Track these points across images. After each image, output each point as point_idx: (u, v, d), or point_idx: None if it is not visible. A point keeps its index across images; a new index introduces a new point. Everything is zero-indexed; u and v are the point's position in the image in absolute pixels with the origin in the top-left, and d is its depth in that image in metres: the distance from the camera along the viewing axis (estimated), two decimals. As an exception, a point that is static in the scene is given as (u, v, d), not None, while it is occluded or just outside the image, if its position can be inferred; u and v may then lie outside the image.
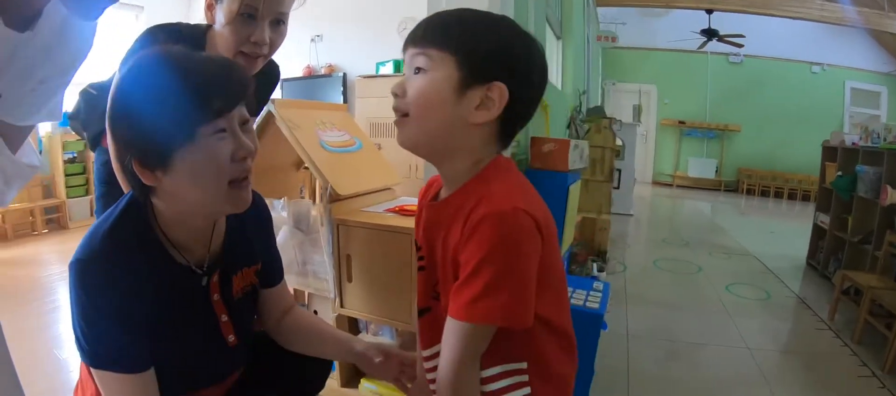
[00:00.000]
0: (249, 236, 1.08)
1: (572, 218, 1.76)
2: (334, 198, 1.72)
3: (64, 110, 1.53)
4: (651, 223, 6.38)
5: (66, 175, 4.82)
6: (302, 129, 1.81)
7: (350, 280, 1.71)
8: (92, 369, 0.87)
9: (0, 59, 0.75)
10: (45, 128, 4.81)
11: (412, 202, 1.81)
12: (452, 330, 0.73)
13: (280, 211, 1.80)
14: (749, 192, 9.21)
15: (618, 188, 5.85)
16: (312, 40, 5.17)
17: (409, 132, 0.78)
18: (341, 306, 1.76)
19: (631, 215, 6.13)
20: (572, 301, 1.59)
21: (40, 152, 4.73)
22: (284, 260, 1.80)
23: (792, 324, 2.88)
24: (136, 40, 1.24)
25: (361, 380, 1.84)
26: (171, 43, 0.98)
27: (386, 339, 1.92)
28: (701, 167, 9.74)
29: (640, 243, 5.06)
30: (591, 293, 1.65)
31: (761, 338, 2.56)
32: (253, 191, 1.06)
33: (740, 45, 7.91)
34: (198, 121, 0.80)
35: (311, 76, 5.10)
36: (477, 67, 0.71)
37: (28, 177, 1.05)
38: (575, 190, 1.68)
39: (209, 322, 1.00)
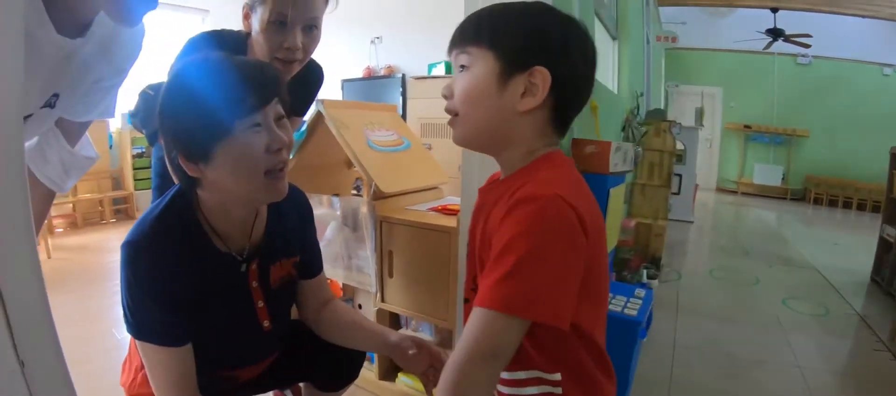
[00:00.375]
0: (289, 229, 1.15)
1: (615, 222, 1.74)
2: (378, 196, 1.77)
3: (128, 109, 1.64)
4: (711, 231, 6.14)
5: (134, 168, 5.14)
6: (350, 129, 1.87)
7: (391, 275, 1.76)
8: (135, 340, 0.98)
9: (57, 64, 0.84)
10: (115, 125, 5.15)
11: (457, 202, 1.84)
12: (472, 317, 0.67)
13: (331, 208, 1.87)
14: (816, 201, 8.69)
15: (678, 194, 5.66)
16: (372, 42, 5.31)
17: (460, 130, 0.79)
18: (382, 300, 1.81)
19: (691, 222, 5.91)
20: (611, 307, 1.57)
21: (110, 147, 5.06)
22: (331, 255, 1.88)
23: (850, 344, 2.72)
24: (183, 47, 1.33)
25: (399, 374, 1.89)
26: (213, 49, 1.11)
27: (425, 335, 1.96)
28: (767, 174, 9.27)
29: (698, 251, 4.89)
30: (632, 300, 1.63)
31: (815, 357, 2.44)
32: (294, 187, 1.14)
33: (807, 46, 7.50)
34: (234, 117, 0.87)
35: (370, 77, 5.22)
36: (514, 55, 0.72)
37: (85, 167, 1.16)
38: (617, 193, 1.66)
39: (246, 307, 1.07)
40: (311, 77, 1.55)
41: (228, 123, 0.87)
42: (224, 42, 1.33)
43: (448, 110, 0.80)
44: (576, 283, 0.67)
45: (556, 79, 0.71)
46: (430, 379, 1.13)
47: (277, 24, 1.23)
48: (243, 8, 1.30)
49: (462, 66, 0.76)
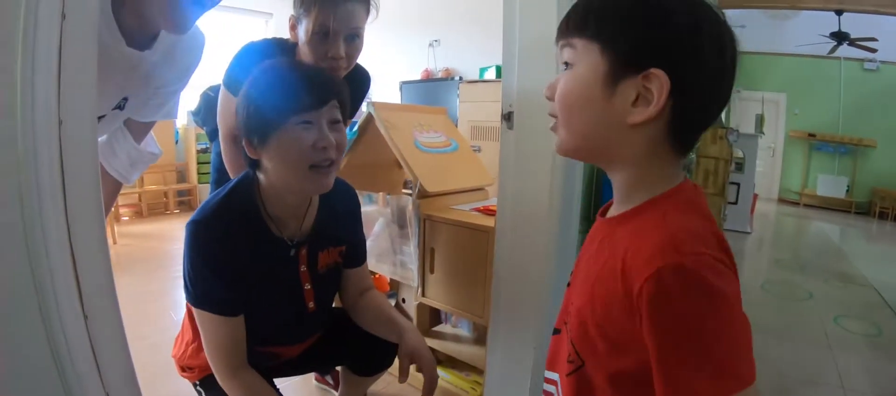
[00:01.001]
0: (338, 221, 1.27)
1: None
2: (423, 194, 1.86)
3: (191, 107, 1.80)
4: (768, 243, 5.93)
5: (198, 163, 5.47)
6: (398, 130, 1.97)
7: (432, 271, 1.85)
8: (194, 308, 1.11)
9: (127, 72, 0.99)
10: (181, 121, 5.49)
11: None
12: None
13: (380, 205, 1.98)
14: (882, 216, 8.18)
15: (735, 203, 5.50)
16: (430, 45, 5.42)
17: (558, 138, 0.66)
18: (423, 295, 1.90)
19: (748, 233, 5.70)
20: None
21: (176, 142, 5.39)
22: (378, 250, 1.99)
23: (900, 367, 2.62)
24: (238, 52, 1.45)
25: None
26: (264, 56, 1.29)
27: (463, 331, 2.04)
28: (831, 185, 8.79)
29: (752, 264, 4.76)
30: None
31: (861, 379, 2.36)
32: (344, 182, 1.27)
33: (874, 50, 7.12)
34: (290, 112, 1.01)
35: (428, 79, 5.33)
36: (625, 53, 0.57)
37: (148, 162, 1.34)
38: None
39: (294, 288, 1.20)
40: (358, 82, 1.64)
41: (284, 117, 1.01)
42: (275, 49, 1.45)
43: (550, 114, 0.67)
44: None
45: (676, 84, 0.56)
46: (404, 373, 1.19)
47: (321, 35, 1.30)
48: (290, 19, 1.38)
49: (566, 63, 0.63)
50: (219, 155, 1.58)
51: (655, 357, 0.54)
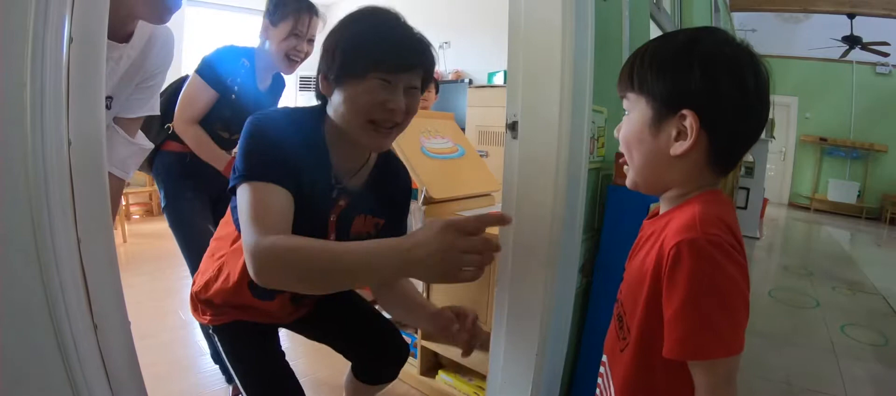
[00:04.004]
0: (386, 195, 1.25)
1: (657, 238, 1.77)
2: (429, 201, 1.87)
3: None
4: (777, 249, 5.88)
5: (207, 165, 5.47)
6: (405, 136, 1.97)
7: (437, 277, 1.86)
8: (247, 185, 0.98)
9: (110, 69, 1.03)
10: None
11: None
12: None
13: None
14: (893, 222, 8.07)
15: (744, 208, 5.46)
16: (440, 47, 5.43)
17: (629, 174, 0.82)
18: (427, 300, 1.91)
19: (757, 238, 5.67)
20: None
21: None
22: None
23: (905, 377, 2.60)
24: (219, 49, 1.76)
25: (439, 372, 1.99)
26: (245, 57, 1.64)
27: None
28: (842, 190, 8.70)
29: (760, 270, 4.73)
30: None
31: (865, 389, 2.35)
32: (405, 170, 1.32)
33: (886, 54, 7.06)
34: (371, 66, 1.01)
35: (439, 81, 5.35)
36: (663, 101, 0.73)
37: (143, 155, 1.38)
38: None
39: (321, 230, 1.15)
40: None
41: (367, 69, 1.01)
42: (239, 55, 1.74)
43: (619, 153, 0.86)
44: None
45: (705, 119, 0.70)
46: (466, 350, 1.18)
47: (294, 37, 1.73)
48: (263, 21, 1.76)
49: (626, 111, 0.80)
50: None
51: (665, 312, 0.69)
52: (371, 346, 1.40)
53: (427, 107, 3.50)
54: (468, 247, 0.79)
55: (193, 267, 1.82)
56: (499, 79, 4.52)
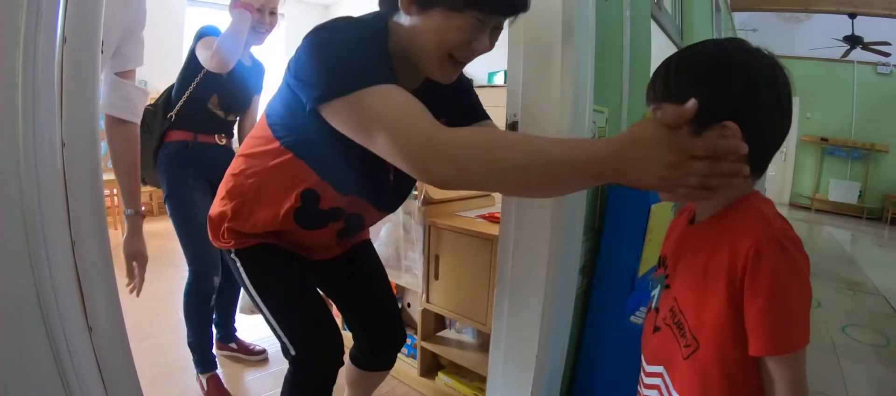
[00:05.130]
0: (442, 95, 1.14)
1: (657, 239, 1.75)
2: (429, 201, 1.86)
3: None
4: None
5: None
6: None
7: (437, 277, 1.85)
8: (357, 95, 0.84)
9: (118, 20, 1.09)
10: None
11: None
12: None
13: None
14: (894, 222, 8.08)
15: (745, 209, 5.45)
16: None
17: None
18: (427, 301, 1.91)
19: (757, 238, 5.66)
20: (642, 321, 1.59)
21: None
22: (384, 255, 1.99)
23: (906, 378, 2.59)
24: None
25: (439, 372, 1.98)
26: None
27: (467, 337, 2.04)
28: (842, 191, 8.68)
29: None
30: (670, 316, 1.65)
31: (866, 390, 2.33)
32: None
33: (887, 54, 7.05)
34: (474, 3, 0.93)
35: None
36: (701, 113, 0.69)
37: (145, 96, 1.40)
38: (660, 209, 1.67)
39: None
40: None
41: (468, 2, 0.93)
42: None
43: None
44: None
45: (745, 128, 0.69)
46: None
47: (258, 11, 1.82)
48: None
49: None
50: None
51: (749, 310, 0.70)
52: (379, 319, 1.37)
53: None
54: (703, 152, 0.66)
55: (191, 256, 1.85)
56: (499, 79, 4.51)
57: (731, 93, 0.71)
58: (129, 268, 1.40)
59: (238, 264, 1.17)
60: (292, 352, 1.17)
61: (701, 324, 0.78)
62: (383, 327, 1.41)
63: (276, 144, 1.06)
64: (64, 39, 0.59)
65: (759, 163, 0.76)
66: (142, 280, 1.43)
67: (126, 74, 1.31)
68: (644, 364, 0.94)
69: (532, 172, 0.75)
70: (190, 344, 1.94)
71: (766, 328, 0.69)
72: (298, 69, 0.90)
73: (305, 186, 1.07)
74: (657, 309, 0.91)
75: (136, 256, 1.40)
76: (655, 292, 0.95)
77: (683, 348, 0.82)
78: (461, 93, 1.21)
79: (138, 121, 1.36)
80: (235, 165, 1.17)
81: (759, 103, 0.71)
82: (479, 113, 1.23)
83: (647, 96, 0.81)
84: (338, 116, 0.87)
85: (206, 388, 1.91)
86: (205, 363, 1.95)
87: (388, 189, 1.15)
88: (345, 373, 1.53)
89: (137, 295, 1.42)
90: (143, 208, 1.41)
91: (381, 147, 0.82)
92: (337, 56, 0.87)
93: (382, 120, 0.81)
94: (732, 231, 0.74)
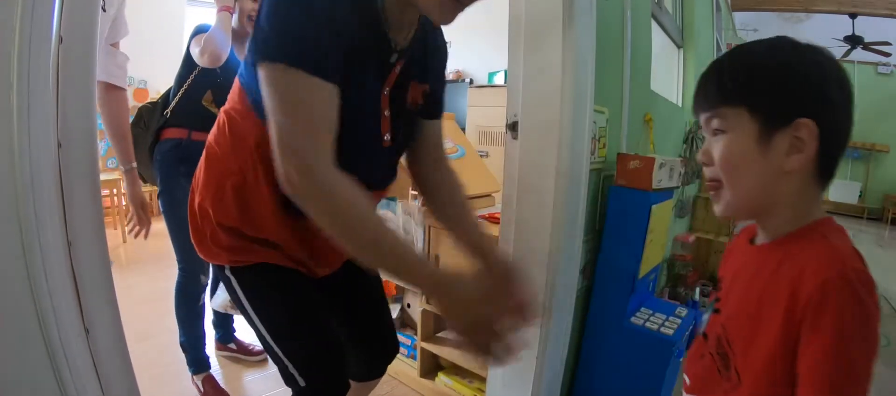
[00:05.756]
0: (429, 56, 1.08)
1: (658, 240, 1.75)
2: (428, 202, 1.85)
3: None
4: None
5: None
6: (404, 136, 1.97)
7: (436, 278, 1.84)
8: (270, 65, 0.77)
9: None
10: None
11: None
12: None
13: (389, 210, 1.98)
14: (894, 222, 8.08)
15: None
16: (441, 47, 5.41)
17: (725, 201, 0.73)
18: (427, 302, 1.90)
19: (756, 239, 5.64)
20: (647, 324, 1.59)
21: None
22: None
23: (907, 379, 2.57)
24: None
25: (439, 373, 1.97)
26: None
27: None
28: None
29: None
30: (671, 318, 1.64)
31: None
32: (441, 32, 1.11)
33: (887, 54, 7.04)
34: None
35: None
36: (772, 112, 0.65)
37: (126, 63, 1.54)
38: (661, 210, 1.66)
39: (374, 107, 0.98)
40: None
41: None
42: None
43: (710, 179, 0.74)
44: None
45: (823, 126, 0.64)
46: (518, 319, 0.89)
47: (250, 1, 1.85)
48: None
49: (716, 130, 0.71)
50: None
51: (805, 355, 0.61)
52: (379, 334, 1.31)
53: None
54: (499, 339, 0.74)
55: (180, 255, 1.88)
56: (499, 79, 4.51)
57: (802, 93, 0.65)
58: (139, 216, 1.65)
59: (234, 283, 1.04)
60: (301, 383, 1.05)
61: (747, 360, 0.71)
62: (383, 342, 1.37)
63: (245, 120, 0.96)
64: (60, 39, 0.58)
65: (828, 168, 0.68)
66: (149, 223, 1.69)
67: (116, 45, 1.47)
68: (686, 379, 0.86)
69: (367, 252, 0.79)
70: (182, 344, 1.94)
71: (823, 379, 0.60)
72: (259, 16, 0.80)
73: None
74: (705, 336, 0.82)
75: (142, 203, 1.65)
76: (705, 316, 0.86)
77: (724, 381, 0.75)
78: (442, 64, 1.15)
79: (123, 83, 1.55)
80: (215, 145, 1.06)
81: (832, 99, 0.65)
82: (438, 110, 1.15)
83: (697, 104, 0.73)
84: (263, 81, 0.78)
85: (202, 390, 1.91)
86: (197, 363, 1.94)
87: (380, 161, 1.05)
88: None
89: (145, 237, 1.71)
90: (134, 163, 1.64)
91: (271, 134, 0.77)
92: (291, 18, 0.78)
93: (287, 115, 0.76)
94: (797, 260, 0.65)
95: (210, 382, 1.92)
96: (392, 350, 1.38)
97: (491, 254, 1.03)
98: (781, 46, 0.68)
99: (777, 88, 0.65)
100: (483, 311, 0.75)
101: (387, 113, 1.00)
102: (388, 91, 0.99)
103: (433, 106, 1.13)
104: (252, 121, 0.91)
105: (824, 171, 0.68)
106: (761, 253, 0.73)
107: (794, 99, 0.64)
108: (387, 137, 1.01)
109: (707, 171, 0.73)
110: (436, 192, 1.15)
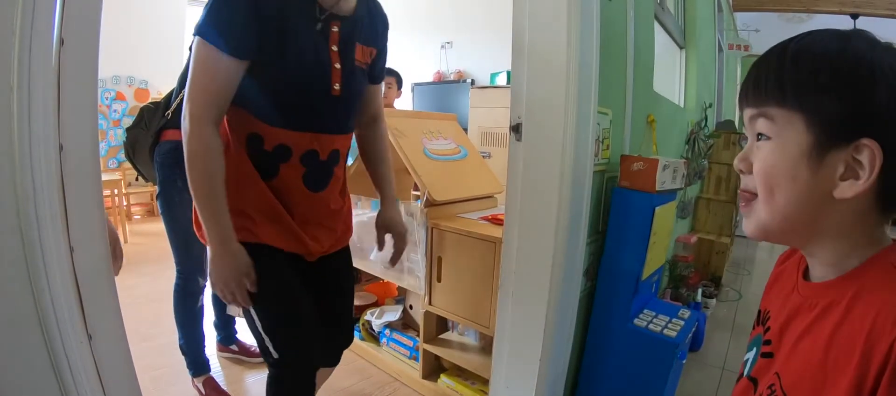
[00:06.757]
0: (374, 24, 1.25)
1: (662, 242, 1.74)
2: (431, 203, 1.85)
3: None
4: (780, 250, 5.81)
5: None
6: (407, 137, 1.96)
7: (439, 280, 1.84)
8: (196, 39, 0.98)
9: None
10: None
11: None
12: None
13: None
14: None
15: (745, 209, 5.45)
16: (442, 47, 5.39)
17: (756, 218, 0.60)
18: (429, 303, 1.89)
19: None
20: (650, 326, 1.58)
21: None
22: (385, 258, 1.98)
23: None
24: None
25: (441, 375, 1.96)
26: None
27: (470, 340, 2.03)
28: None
29: (763, 271, 4.69)
30: (674, 320, 1.63)
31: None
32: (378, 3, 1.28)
33: (889, 55, 7.02)
34: None
35: (440, 81, 5.31)
36: (832, 124, 0.52)
37: None
38: (665, 212, 1.66)
39: (321, 60, 1.12)
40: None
41: None
42: None
43: (744, 189, 0.62)
44: None
45: (887, 151, 0.50)
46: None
47: None
48: None
49: (760, 134, 0.58)
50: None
51: None
52: (331, 333, 1.35)
53: (390, 104, 3.35)
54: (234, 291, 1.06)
55: (177, 257, 1.88)
56: (501, 80, 4.50)
57: (874, 104, 0.51)
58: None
59: None
60: (275, 355, 1.18)
61: None
62: (333, 339, 1.38)
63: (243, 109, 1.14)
64: (61, 42, 0.58)
65: (893, 198, 0.55)
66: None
67: None
68: None
69: (200, 195, 1.01)
70: (181, 347, 1.93)
71: None
72: None
73: (248, 131, 1.12)
74: (753, 381, 0.69)
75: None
76: (750, 355, 0.73)
77: None
78: (383, 26, 1.31)
79: None
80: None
81: None
82: (379, 75, 1.35)
83: (744, 95, 0.60)
84: (192, 49, 1.00)
85: (202, 392, 1.90)
86: (197, 365, 1.93)
87: (329, 107, 1.19)
88: None
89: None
90: None
91: (186, 91, 1.00)
92: (219, 3, 0.97)
93: (196, 79, 0.99)
94: (872, 304, 0.52)
95: (210, 384, 1.91)
96: (346, 339, 1.41)
97: (385, 207, 1.41)
98: (854, 44, 0.53)
99: (842, 98, 0.52)
100: (227, 277, 1.04)
101: (337, 65, 1.15)
102: (336, 48, 1.14)
103: (376, 69, 1.31)
104: (231, 109, 1.08)
105: (885, 206, 0.55)
106: (824, 293, 0.59)
107: (860, 113, 0.51)
108: (336, 87, 1.16)
109: (743, 180, 0.62)
110: (367, 147, 1.41)
